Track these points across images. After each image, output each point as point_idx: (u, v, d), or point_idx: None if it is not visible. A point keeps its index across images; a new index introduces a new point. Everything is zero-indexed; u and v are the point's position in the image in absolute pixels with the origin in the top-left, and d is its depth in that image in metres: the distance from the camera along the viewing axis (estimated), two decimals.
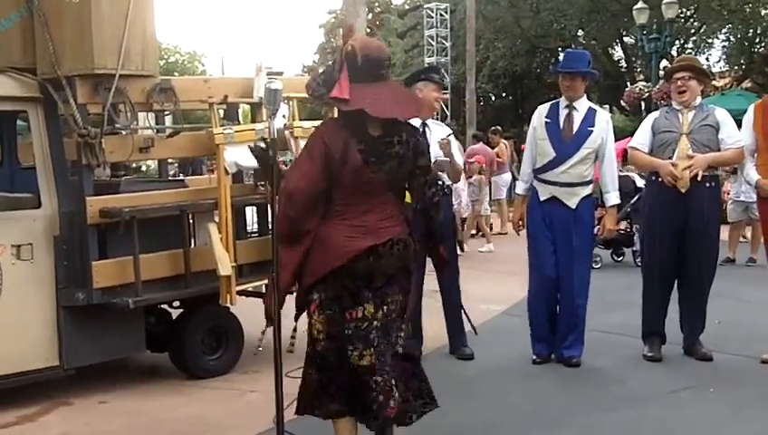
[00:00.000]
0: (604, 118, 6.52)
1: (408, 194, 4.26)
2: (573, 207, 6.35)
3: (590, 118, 6.43)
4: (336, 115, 4.75)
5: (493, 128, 18.28)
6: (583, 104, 6.49)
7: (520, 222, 6.95)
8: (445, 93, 6.88)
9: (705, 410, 5.39)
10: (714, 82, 30.88)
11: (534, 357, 6.50)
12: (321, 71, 4.28)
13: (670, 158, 6.31)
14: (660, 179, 6.34)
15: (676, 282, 6.57)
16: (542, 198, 6.45)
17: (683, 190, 6.24)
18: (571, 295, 6.39)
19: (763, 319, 6.87)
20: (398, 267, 4.05)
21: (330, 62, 4.29)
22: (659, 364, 6.40)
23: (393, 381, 3.99)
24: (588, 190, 6.43)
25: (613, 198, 6.57)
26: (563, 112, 6.44)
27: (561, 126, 6.40)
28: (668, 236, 6.39)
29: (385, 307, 4.01)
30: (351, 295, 4.00)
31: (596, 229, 6.97)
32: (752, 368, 6.25)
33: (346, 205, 4.01)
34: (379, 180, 4.00)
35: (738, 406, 5.44)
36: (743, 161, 6.48)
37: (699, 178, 6.20)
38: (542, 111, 6.58)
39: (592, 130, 6.36)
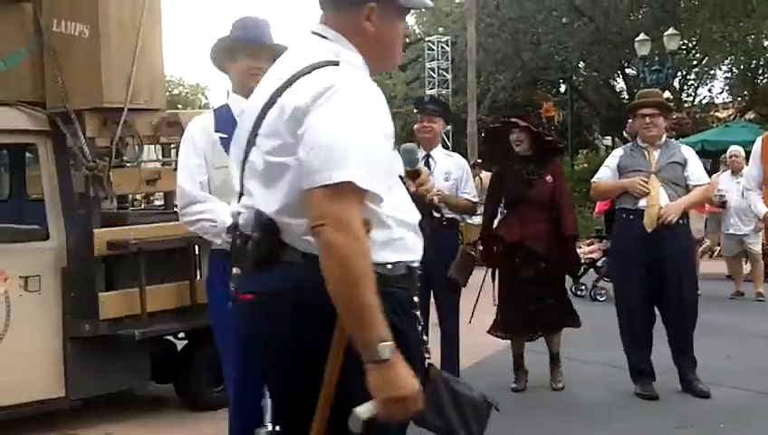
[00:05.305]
0: None
1: None
2: None
3: None
4: None
5: (473, 161, 18.12)
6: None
7: None
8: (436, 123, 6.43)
9: None
10: (717, 114, 30.95)
11: None
12: None
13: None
14: (632, 217, 6.25)
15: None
16: None
17: (649, 230, 6.12)
18: None
19: None
20: None
21: None
22: (661, 401, 6.21)
23: None
24: None
25: None
26: None
27: None
28: (642, 276, 6.26)
29: None
30: None
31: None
32: (760, 402, 6.20)
33: None
34: None
35: None
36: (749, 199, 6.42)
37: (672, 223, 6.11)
38: None
39: None
